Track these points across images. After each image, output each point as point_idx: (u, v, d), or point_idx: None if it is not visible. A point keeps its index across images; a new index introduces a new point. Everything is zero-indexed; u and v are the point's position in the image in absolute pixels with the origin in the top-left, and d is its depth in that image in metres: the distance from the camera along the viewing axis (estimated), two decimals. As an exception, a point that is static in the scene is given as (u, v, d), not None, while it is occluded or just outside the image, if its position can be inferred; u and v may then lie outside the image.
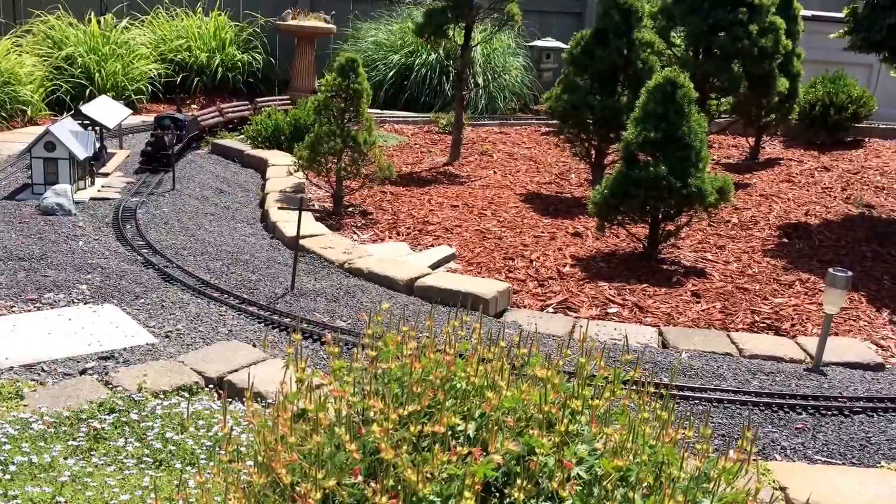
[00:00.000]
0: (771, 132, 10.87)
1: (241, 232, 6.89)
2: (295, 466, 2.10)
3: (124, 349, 4.30)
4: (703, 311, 5.70)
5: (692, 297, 5.94)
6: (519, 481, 2.00)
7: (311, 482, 1.98)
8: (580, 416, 2.38)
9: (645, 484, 2.17)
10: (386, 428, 2.09)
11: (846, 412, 4.19)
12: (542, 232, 7.33)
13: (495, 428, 2.18)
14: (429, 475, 2.02)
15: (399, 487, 2.01)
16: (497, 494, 2.14)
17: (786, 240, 7.39)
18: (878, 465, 3.76)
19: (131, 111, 9.42)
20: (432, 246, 6.88)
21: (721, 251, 7.01)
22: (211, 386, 3.96)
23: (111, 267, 5.54)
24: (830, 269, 4.70)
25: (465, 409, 2.33)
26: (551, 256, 6.67)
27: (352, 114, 7.48)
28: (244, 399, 3.49)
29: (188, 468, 3.11)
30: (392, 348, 2.53)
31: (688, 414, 4.00)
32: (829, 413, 4.17)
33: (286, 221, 6.83)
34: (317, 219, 7.27)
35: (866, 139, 11.47)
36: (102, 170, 8.06)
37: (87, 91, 10.84)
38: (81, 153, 7.20)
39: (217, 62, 12.67)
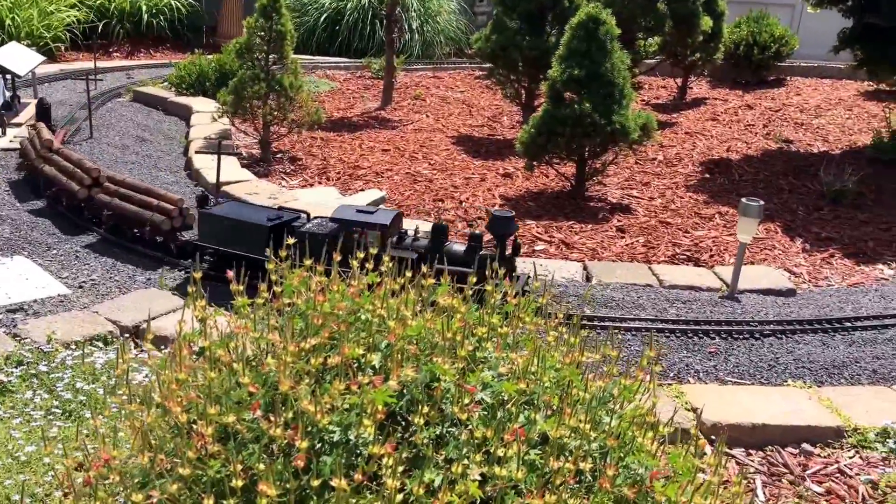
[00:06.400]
0: (698, 72, 11.00)
1: (163, 180, 6.69)
2: (193, 405, 2.06)
3: (34, 301, 4.17)
4: (627, 245, 5.80)
5: (617, 232, 6.04)
6: (421, 408, 2.00)
7: (206, 419, 1.94)
8: (486, 343, 2.39)
9: (553, 406, 2.20)
10: (284, 361, 2.05)
11: (756, 335, 4.34)
12: (473, 174, 7.32)
13: (399, 356, 2.17)
14: (329, 407, 2.00)
15: (299, 420, 1.99)
16: (403, 423, 2.14)
17: (707, 175, 7.54)
18: (784, 383, 3.92)
19: (45, 58, 8.98)
20: (362, 190, 6.81)
21: (646, 188, 7.11)
22: (127, 335, 3.87)
23: (22, 218, 5.33)
24: (743, 199, 4.81)
25: (370, 340, 2.31)
26: (481, 197, 6.68)
27: (276, 57, 7.27)
28: (163, 346, 3.43)
29: (99, 417, 3.05)
30: (296, 283, 2.49)
31: (605, 342, 4.08)
32: (740, 337, 4.32)
33: (210, 168, 6.65)
34: (244, 165, 7.11)
35: (788, 78, 11.71)
36: (15, 120, 7.70)
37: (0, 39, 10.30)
38: (-11, 103, 6.86)
39: (140, 7, 12.14)
